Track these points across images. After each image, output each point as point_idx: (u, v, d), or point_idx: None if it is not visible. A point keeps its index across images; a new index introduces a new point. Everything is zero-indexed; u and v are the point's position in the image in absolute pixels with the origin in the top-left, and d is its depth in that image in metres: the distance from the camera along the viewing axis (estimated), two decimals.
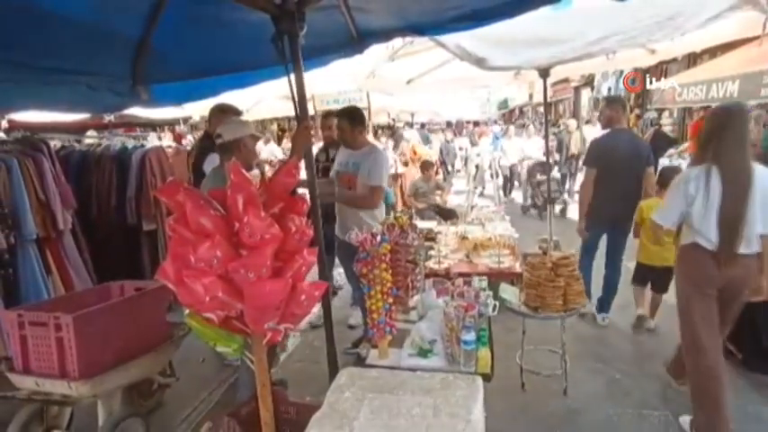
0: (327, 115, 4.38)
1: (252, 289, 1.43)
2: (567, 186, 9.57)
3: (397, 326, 2.17)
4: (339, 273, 4.29)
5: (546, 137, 5.13)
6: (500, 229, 4.94)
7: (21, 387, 2.39)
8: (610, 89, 12.84)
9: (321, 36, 2.37)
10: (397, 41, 3.58)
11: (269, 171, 4.74)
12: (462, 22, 2.42)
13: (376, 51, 3.25)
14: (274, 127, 17.32)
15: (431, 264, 3.92)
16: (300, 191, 2.27)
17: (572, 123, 10.42)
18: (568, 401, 3.00)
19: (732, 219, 2.32)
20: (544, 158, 6.16)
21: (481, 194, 10.88)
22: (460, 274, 3.20)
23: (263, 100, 8.26)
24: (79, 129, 5.77)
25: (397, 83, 5.08)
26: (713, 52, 6.75)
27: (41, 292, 3.16)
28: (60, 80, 2.56)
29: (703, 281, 2.47)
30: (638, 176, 3.84)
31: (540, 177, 8.06)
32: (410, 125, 15.88)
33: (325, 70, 3.07)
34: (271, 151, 11.34)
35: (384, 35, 2.75)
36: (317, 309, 3.32)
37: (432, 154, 9.86)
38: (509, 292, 3.00)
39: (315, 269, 1.94)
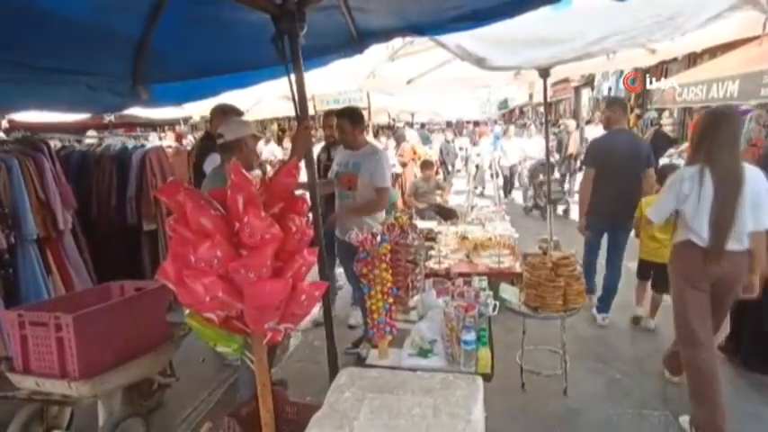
0: (329, 114, 4.39)
1: (252, 289, 1.43)
2: (566, 187, 9.57)
3: (397, 326, 2.17)
4: (339, 273, 4.29)
5: (546, 137, 5.13)
6: (500, 229, 4.94)
7: (21, 387, 2.39)
8: (610, 89, 12.84)
9: (321, 36, 2.37)
10: (397, 41, 3.58)
11: (270, 171, 4.74)
12: (462, 22, 2.42)
13: (376, 51, 3.25)
14: (274, 127, 17.33)
15: (431, 264, 3.92)
16: (299, 192, 2.28)
17: (571, 124, 10.42)
18: (568, 401, 3.00)
19: (723, 217, 2.42)
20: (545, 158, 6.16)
21: (481, 194, 10.88)
22: (460, 274, 3.20)
23: (263, 100, 8.27)
24: (79, 129, 5.78)
25: (397, 83, 5.08)
26: (713, 52, 6.74)
27: (41, 292, 3.15)
28: (60, 80, 2.55)
29: (696, 277, 2.56)
30: (638, 176, 3.86)
31: (542, 178, 8.04)
32: (410, 125, 15.88)
33: (325, 70, 3.07)
34: (271, 151, 11.36)
35: (384, 35, 2.75)
36: (316, 309, 3.32)
37: (431, 154, 9.86)
38: (509, 292, 3.00)
39: (315, 269, 1.95)
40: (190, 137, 10.82)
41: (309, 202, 1.86)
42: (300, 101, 2.25)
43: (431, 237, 4.63)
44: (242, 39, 2.50)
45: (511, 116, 25.96)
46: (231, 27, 2.39)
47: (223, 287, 1.41)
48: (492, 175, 9.86)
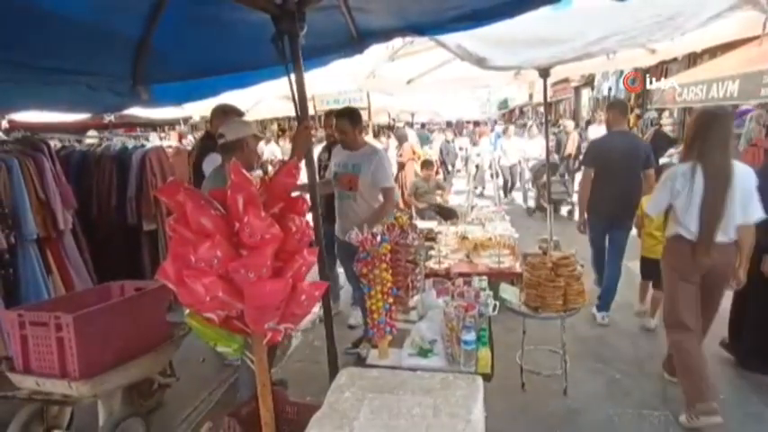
0: (330, 114, 4.39)
1: (252, 289, 1.43)
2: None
3: (397, 326, 2.17)
4: (339, 273, 4.29)
5: (546, 137, 5.14)
6: (500, 229, 4.95)
7: (21, 387, 2.39)
8: (610, 89, 12.85)
9: (321, 36, 2.37)
10: (397, 41, 3.58)
11: (271, 171, 4.75)
12: (462, 22, 2.42)
13: (376, 51, 3.25)
14: (275, 127, 17.34)
15: (431, 264, 3.92)
16: (296, 194, 2.28)
17: (569, 124, 10.42)
18: (568, 401, 3.00)
19: (712, 212, 2.55)
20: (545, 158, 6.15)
21: (481, 194, 10.87)
22: (460, 274, 3.20)
23: (263, 100, 8.27)
24: (79, 129, 5.77)
25: (397, 83, 5.08)
26: (713, 52, 6.74)
27: (42, 292, 3.15)
28: (60, 80, 2.55)
29: (686, 269, 2.70)
30: (637, 176, 3.86)
31: (546, 178, 8.01)
32: (410, 125, 15.87)
33: (325, 70, 3.07)
34: (271, 151, 11.37)
35: (384, 35, 2.75)
36: (317, 308, 3.32)
37: (431, 154, 9.85)
38: (509, 292, 3.00)
39: (315, 269, 1.95)
40: (190, 137, 10.82)
41: (309, 202, 1.86)
42: (300, 101, 2.25)
43: (431, 237, 4.63)
44: (242, 39, 2.50)
45: (511, 116, 25.98)
46: (231, 27, 2.39)
47: (223, 287, 1.41)
48: (492, 175, 9.86)
